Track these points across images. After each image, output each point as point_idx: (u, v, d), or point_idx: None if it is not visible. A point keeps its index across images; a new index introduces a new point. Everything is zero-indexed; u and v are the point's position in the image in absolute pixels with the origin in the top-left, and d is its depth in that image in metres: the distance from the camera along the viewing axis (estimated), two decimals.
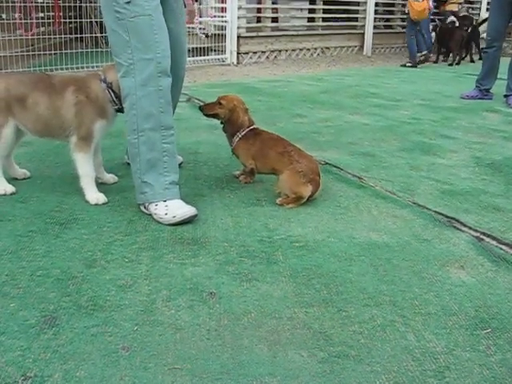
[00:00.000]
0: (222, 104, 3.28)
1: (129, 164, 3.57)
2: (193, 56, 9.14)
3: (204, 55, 9.39)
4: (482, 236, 2.76)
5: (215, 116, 3.33)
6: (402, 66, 10.34)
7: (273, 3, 11.11)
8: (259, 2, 10.87)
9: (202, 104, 3.45)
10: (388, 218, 2.95)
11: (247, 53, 9.94)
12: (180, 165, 3.65)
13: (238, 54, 9.69)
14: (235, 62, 9.55)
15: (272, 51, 10.48)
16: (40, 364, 1.73)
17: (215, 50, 9.58)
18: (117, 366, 1.73)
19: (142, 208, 2.91)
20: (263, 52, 10.30)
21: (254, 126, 3.30)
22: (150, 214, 2.85)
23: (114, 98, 2.99)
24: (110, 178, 3.31)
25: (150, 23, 2.72)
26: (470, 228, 2.85)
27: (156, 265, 2.36)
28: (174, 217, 2.76)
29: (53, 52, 8.04)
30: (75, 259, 2.39)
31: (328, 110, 5.82)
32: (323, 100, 6.36)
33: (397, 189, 3.37)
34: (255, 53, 10.13)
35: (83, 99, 2.95)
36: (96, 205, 2.99)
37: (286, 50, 10.75)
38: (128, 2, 2.69)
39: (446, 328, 1.99)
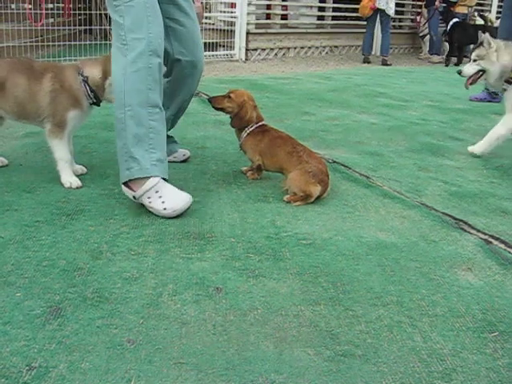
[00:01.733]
0: (231, 98, 3.26)
1: None
2: None
3: (212, 51, 9.37)
4: (490, 239, 2.74)
5: (223, 109, 3.31)
6: None
7: (283, 0, 11.08)
8: None
9: (209, 97, 3.43)
10: (396, 218, 2.94)
11: (256, 49, 9.92)
12: (187, 159, 3.64)
13: (247, 50, 9.67)
14: (243, 59, 9.53)
15: (281, 48, 10.45)
16: (45, 354, 1.72)
17: (224, 46, 9.57)
18: (122, 359, 1.72)
19: (132, 198, 2.83)
20: (272, 49, 10.28)
21: (263, 123, 3.29)
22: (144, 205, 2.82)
23: (89, 92, 3.04)
24: (78, 168, 3.29)
25: (144, 6, 2.77)
26: (478, 231, 2.83)
27: (162, 258, 2.35)
28: (174, 211, 2.75)
29: (61, 43, 8.04)
30: (81, 250, 2.38)
31: (336, 108, 5.80)
32: (331, 98, 6.35)
33: (405, 189, 3.36)
34: (264, 49, 10.11)
35: (58, 88, 2.99)
36: (69, 188, 3.04)
37: (295, 48, 10.73)
38: None
39: (453, 330, 1.98)
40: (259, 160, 3.24)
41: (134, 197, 2.81)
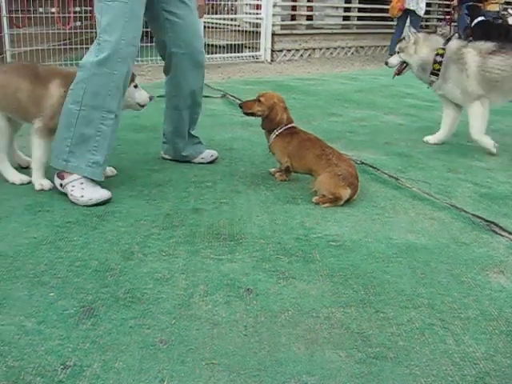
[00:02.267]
0: (262, 101, 3.27)
1: (164, 158, 3.61)
2: (227, 52, 9.16)
3: (238, 52, 9.39)
4: None
5: (254, 114, 3.32)
6: None
7: (308, 1, 11.06)
8: (294, 0, 10.83)
9: (241, 102, 3.44)
10: (425, 219, 2.92)
11: (281, 50, 9.92)
12: (215, 160, 3.66)
13: (272, 51, 9.68)
14: (269, 60, 9.54)
15: (306, 49, 10.44)
16: (79, 354, 1.75)
17: (249, 47, 9.59)
18: (155, 359, 1.74)
19: (58, 186, 2.96)
20: (297, 50, 10.27)
21: (293, 125, 3.29)
22: (65, 194, 2.92)
23: None
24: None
25: (123, 10, 2.83)
26: (510, 233, 2.79)
27: (193, 259, 2.37)
28: (91, 199, 2.87)
29: (89, 46, 8.10)
30: (113, 251, 2.41)
31: (363, 109, 5.77)
32: (358, 99, 6.32)
33: (434, 191, 3.33)
34: (289, 50, 10.10)
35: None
36: (41, 190, 3.06)
37: (321, 49, 10.71)
38: None
39: (486, 333, 1.96)
40: (288, 162, 3.25)
41: (60, 184, 2.96)
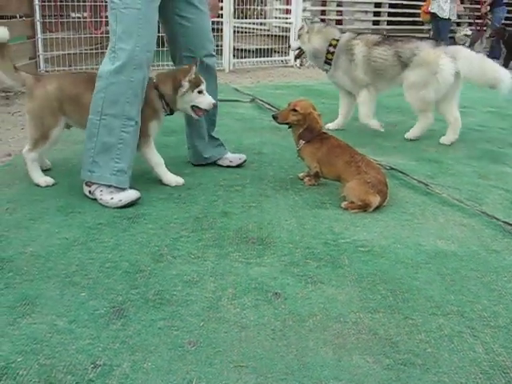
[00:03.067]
0: (297, 111, 3.27)
1: (193, 164, 3.64)
2: (256, 57, 9.19)
3: (267, 56, 9.42)
4: None
5: (289, 123, 3.34)
6: None
7: (337, 5, 11.04)
8: (324, 5, 10.82)
9: (274, 113, 3.45)
10: (455, 226, 2.89)
11: None
12: (243, 163, 3.68)
13: None
14: (298, 64, 9.53)
15: None
16: (109, 353, 1.78)
17: (278, 52, 9.60)
18: (183, 360, 1.76)
19: (87, 193, 3.02)
20: None
21: (323, 131, 3.29)
22: (95, 199, 2.97)
23: (165, 106, 3.19)
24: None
25: (136, 16, 2.85)
26: None
27: (221, 262, 2.38)
28: (120, 200, 2.91)
29: None
30: (143, 253, 2.44)
31: (392, 114, 5.75)
32: (387, 104, 6.27)
33: (464, 197, 3.29)
34: None
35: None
36: (176, 186, 3.24)
37: None
38: None
39: None
40: (317, 167, 3.25)
41: (89, 191, 3.02)
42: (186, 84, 3.14)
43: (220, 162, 3.68)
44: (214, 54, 3.46)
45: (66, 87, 3.09)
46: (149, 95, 3.12)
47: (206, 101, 3.21)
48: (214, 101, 3.24)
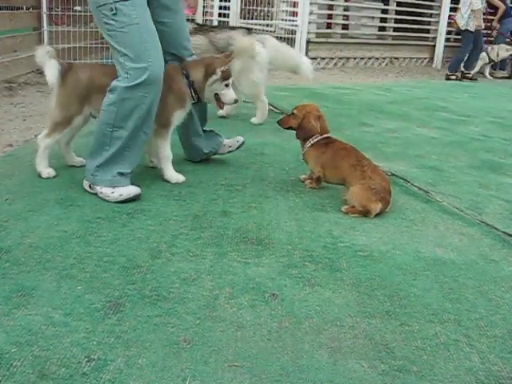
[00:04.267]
0: (295, 114, 3.31)
1: (194, 162, 3.63)
2: None
3: None
4: None
5: (291, 128, 3.35)
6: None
7: (344, 10, 11.04)
8: (330, 9, 10.82)
9: (278, 119, 3.47)
10: (455, 234, 2.89)
11: (315, 58, 9.90)
12: (242, 144, 3.72)
13: None
14: None
15: (340, 58, 10.42)
16: (104, 348, 1.77)
17: None
18: (178, 358, 1.75)
19: (87, 188, 3.02)
20: (331, 58, 10.26)
21: (328, 135, 3.29)
22: (96, 193, 2.97)
23: (193, 94, 3.17)
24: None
25: (138, 32, 2.81)
26: None
27: (220, 261, 2.38)
28: (121, 195, 2.91)
29: None
30: (141, 249, 2.43)
31: (395, 120, 5.74)
32: (391, 110, 6.28)
33: (464, 206, 3.29)
34: (323, 58, 10.10)
35: (165, 89, 3.06)
36: (176, 183, 3.22)
37: (355, 58, 10.68)
38: (114, 14, 2.77)
39: None
40: (320, 172, 3.24)
41: (89, 186, 3.01)
42: (219, 72, 3.14)
43: (220, 152, 3.68)
44: (192, 51, 3.43)
45: (97, 77, 3.09)
46: (176, 83, 3.13)
47: (229, 95, 3.23)
48: (236, 96, 3.26)
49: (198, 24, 5.10)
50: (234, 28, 5.21)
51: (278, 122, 3.42)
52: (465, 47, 10.07)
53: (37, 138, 3.23)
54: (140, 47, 2.82)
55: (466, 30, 9.79)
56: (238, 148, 3.70)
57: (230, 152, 3.69)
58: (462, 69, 10.29)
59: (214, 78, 3.15)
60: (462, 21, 9.79)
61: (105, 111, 2.91)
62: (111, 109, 2.88)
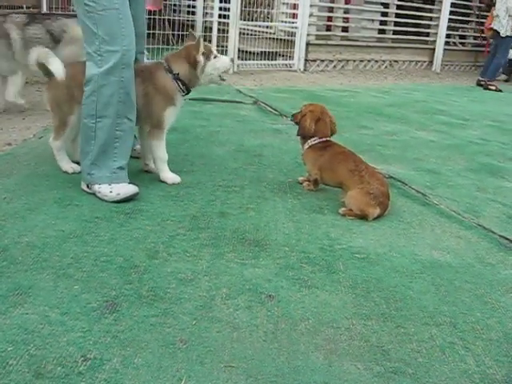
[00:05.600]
0: (301, 111, 3.36)
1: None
2: (260, 60, 9.19)
3: (272, 60, 9.41)
4: None
5: (297, 123, 3.38)
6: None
7: (344, 12, 11.05)
8: (331, 11, 10.83)
9: (292, 114, 3.51)
10: (452, 237, 2.89)
11: (315, 60, 9.91)
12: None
13: (306, 60, 9.67)
14: (302, 69, 9.53)
15: (340, 60, 10.42)
16: (100, 347, 1.77)
17: (283, 56, 9.60)
18: (174, 358, 1.75)
19: (85, 188, 3.02)
20: (331, 61, 10.26)
21: (328, 138, 3.30)
22: (94, 193, 2.97)
23: (182, 87, 3.15)
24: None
25: (117, 16, 2.84)
26: None
27: (217, 262, 2.38)
28: (118, 194, 2.92)
29: None
30: (138, 249, 2.44)
31: (394, 123, 5.75)
32: (389, 113, 6.29)
33: (462, 209, 3.30)
34: (323, 61, 10.10)
35: (151, 89, 3.09)
36: (173, 184, 3.23)
37: (354, 61, 10.68)
38: None
39: (508, 356, 1.94)
40: (317, 174, 3.25)
41: (87, 185, 3.02)
42: (201, 58, 3.13)
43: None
44: (145, 52, 3.48)
45: (79, 74, 3.07)
46: (161, 81, 3.13)
47: (223, 61, 3.24)
48: (230, 56, 3.23)
49: (31, 13, 5.03)
50: (69, 16, 5.06)
51: (292, 115, 3.48)
52: (503, 53, 9.92)
53: (35, 136, 3.23)
54: (117, 31, 2.84)
55: (507, 36, 9.69)
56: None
57: (136, 158, 3.55)
58: (479, 76, 10.21)
59: (200, 65, 3.14)
60: (502, 28, 9.68)
61: (85, 105, 2.92)
62: (91, 99, 2.90)
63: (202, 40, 3.15)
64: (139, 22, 3.25)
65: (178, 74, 3.13)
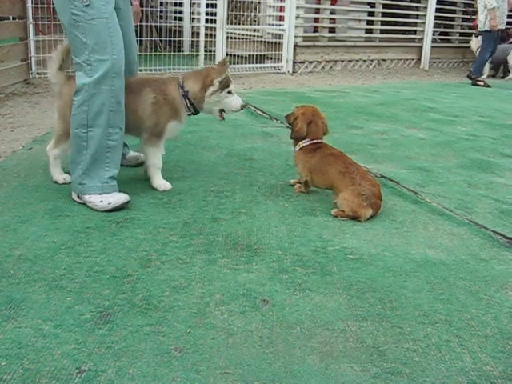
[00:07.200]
0: (293, 112, 3.37)
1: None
2: (249, 63, 9.20)
3: (260, 63, 9.43)
4: None
5: (291, 125, 3.39)
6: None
7: (331, 13, 11.07)
8: (317, 12, 10.85)
9: (285, 114, 3.50)
10: (444, 235, 2.89)
11: (303, 62, 9.93)
12: (141, 164, 3.56)
13: (294, 62, 9.69)
14: (291, 71, 9.55)
15: (328, 61, 10.44)
16: (94, 358, 1.76)
17: (271, 58, 9.62)
18: (169, 367, 1.74)
19: (75, 197, 3.02)
20: (319, 62, 10.28)
21: (319, 140, 3.29)
22: (85, 203, 2.97)
23: (189, 105, 3.17)
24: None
25: (106, 26, 2.84)
26: None
27: (210, 268, 2.37)
28: (110, 203, 2.91)
29: None
30: (131, 258, 2.42)
31: (384, 122, 5.76)
32: (379, 112, 6.30)
33: (454, 206, 3.30)
34: (311, 62, 10.12)
35: (161, 99, 3.11)
36: (164, 191, 3.22)
37: (342, 61, 10.71)
38: (87, 5, 2.79)
39: (504, 352, 1.93)
40: (307, 176, 3.25)
41: (77, 196, 3.01)
42: (216, 83, 3.14)
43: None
44: (136, 60, 3.47)
45: None
46: (171, 93, 3.14)
47: (235, 101, 3.23)
48: (243, 102, 3.25)
49: None
50: None
51: (285, 116, 3.48)
52: (485, 48, 9.98)
53: (24, 148, 3.22)
54: (106, 40, 2.84)
55: (485, 30, 9.75)
56: (136, 165, 3.66)
57: (127, 166, 3.62)
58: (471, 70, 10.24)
59: (212, 89, 3.14)
60: (480, 23, 9.76)
61: (76, 114, 2.91)
62: (82, 109, 2.89)
63: (228, 69, 3.19)
64: (129, 32, 3.27)
65: (187, 91, 3.15)
